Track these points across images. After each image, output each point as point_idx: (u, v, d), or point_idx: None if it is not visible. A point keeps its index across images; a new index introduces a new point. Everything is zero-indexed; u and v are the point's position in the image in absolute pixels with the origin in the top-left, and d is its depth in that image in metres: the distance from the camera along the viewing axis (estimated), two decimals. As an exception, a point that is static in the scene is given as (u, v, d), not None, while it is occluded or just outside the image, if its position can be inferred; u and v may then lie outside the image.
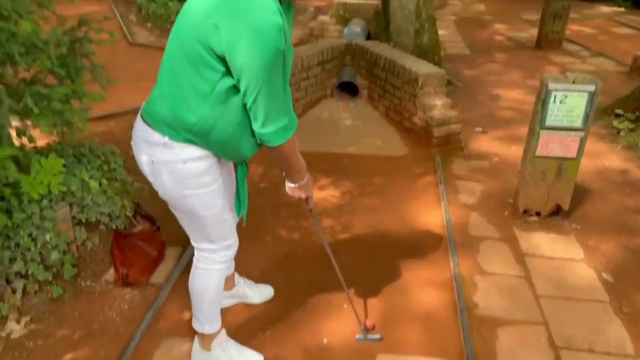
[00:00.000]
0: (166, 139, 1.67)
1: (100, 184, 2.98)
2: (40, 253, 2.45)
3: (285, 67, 1.63)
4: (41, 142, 3.08)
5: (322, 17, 7.19)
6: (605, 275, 2.74)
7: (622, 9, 10.11)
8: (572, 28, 8.12)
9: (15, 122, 2.67)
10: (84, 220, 2.71)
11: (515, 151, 4.08)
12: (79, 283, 2.59)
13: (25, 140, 2.74)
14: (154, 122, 1.69)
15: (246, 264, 2.78)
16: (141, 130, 1.73)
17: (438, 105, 4.13)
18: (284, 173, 1.90)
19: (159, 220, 2.72)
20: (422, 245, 2.99)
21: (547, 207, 3.18)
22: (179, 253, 2.81)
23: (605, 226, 3.19)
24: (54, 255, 2.47)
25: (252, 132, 1.69)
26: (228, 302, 2.45)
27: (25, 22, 2.17)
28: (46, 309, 2.42)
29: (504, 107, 5.21)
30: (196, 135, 1.66)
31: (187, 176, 1.72)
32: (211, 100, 1.59)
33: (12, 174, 2.34)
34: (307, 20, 8.35)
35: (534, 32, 7.71)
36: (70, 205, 2.69)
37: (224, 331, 2.18)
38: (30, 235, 2.43)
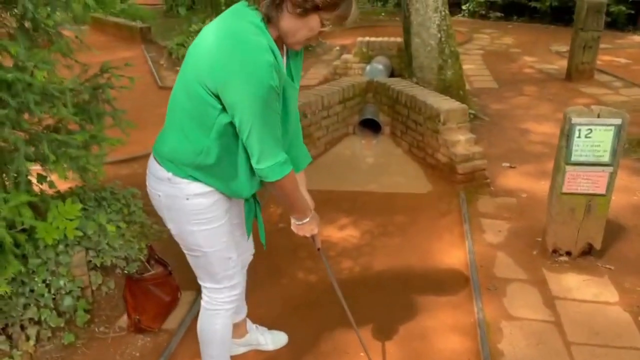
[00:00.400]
0: (170, 174, 1.73)
1: (118, 227, 3.00)
2: (53, 299, 2.45)
3: (286, 104, 1.70)
4: (64, 186, 3.14)
5: (345, 56, 7.26)
6: (643, 320, 2.56)
7: (656, 38, 9.86)
8: (604, 58, 7.93)
9: (36, 168, 2.74)
10: (99, 265, 2.71)
11: (544, 187, 3.92)
12: (92, 329, 2.57)
13: (45, 186, 2.79)
14: (160, 158, 1.76)
15: (260, 308, 2.71)
16: (151, 166, 1.81)
17: (462, 141, 4.04)
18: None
19: (170, 265, 2.69)
20: (444, 288, 2.86)
21: (578, 247, 3.02)
22: (192, 298, 2.77)
23: (642, 266, 3.00)
24: (67, 301, 2.46)
25: (252, 168, 1.71)
26: (240, 350, 2.38)
27: (39, 72, 2.23)
28: (58, 356, 2.40)
29: (533, 141, 5.06)
30: (197, 170, 1.71)
31: (191, 212, 1.76)
32: (212, 136, 1.65)
33: (28, 220, 2.36)
34: (333, 59, 8.44)
35: (563, 63, 7.56)
36: (86, 250, 2.69)
37: None
38: (44, 281, 2.44)
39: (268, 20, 1.56)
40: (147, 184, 1.82)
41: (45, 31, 2.52)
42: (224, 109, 1.59)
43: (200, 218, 1.77)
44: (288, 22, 1.56)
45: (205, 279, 1.95)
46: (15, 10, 2.52)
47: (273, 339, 2.46)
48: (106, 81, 3.13)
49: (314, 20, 1.56)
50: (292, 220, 1.94)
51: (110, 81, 3.14)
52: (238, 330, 2.36)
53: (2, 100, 2.24)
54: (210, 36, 1.58)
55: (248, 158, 1.68)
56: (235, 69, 1.50)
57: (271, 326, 2.54)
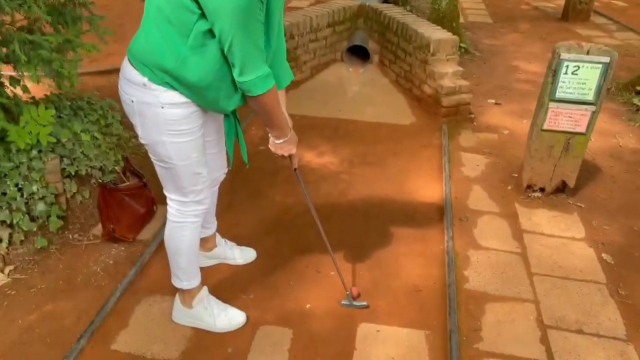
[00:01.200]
0: (146, 79, 1.63)
1: (95, 137, 2.95)
2: (26, 203, 2.44)
3: (269, 15, 1.59)
4: (40, 93, 3.04)
5: (339, -21, 6.95)
6: (605, 257, 2.64)
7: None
8: (602, 0, 7.77)
9: (10, 72, 2.64)
10: (73, 173, 2.69)
11: (527, 125, 3.90)
12: (66, 235, 2.58)
13: (19, 89, 2.70)
14: (135, 61, 1.65)
15: (236, 227, 2.75)
16: (125, 69, 1.70)
17: (449, 74, 3.98)
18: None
19: (147, 178, 2.67)
20: (418, 217, 2.91)
21: (552, 183, 3.06)
22: (168, 211, 2.78)
23: (611, 206, 3.07)
24: (40, 207, 2.45)
25: (233, 82, 1.64)
26: (208, 263, 2.43)
27: (9, -35, 2.09)
28: (31, 259, 2.42)
29: (521, 79, 5.02)
30: (174, 79, 1.62)
31: (164, 121, 1.69)
32: (189, 43, 1.55)
33: (0, 123, 2.30)
34: (326, -18, 8.11)
35: (561, 2, 7.39)
36: (61, 158, 2.66)
37: (205, 288, 2.15)
38: (16, 185, 2.41)
39: None
40: (120, 88, 1.73)
41: None
42: (203, 15, 1.49)
43: (174, 129, 1.71)
44: None
45: (172, 191, 1.91)
46: None
47: (242, 254, 2.50)
48: (83, -17, 2.97)
49: None
50: (271, 139, 1.90)
51: (87, -17, 2.98)
52: (207, 243, 2.39)
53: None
54: None
55: (229, 70, 1.61)
56: None
57: (246, 244, 2.57)
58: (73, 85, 2.76)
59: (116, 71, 4.67)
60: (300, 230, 2.76)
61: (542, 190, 3.09)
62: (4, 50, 2.50)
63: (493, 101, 4.46)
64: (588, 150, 3.51)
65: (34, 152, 2.52)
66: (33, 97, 2.98)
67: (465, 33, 6.02)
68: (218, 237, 2.45)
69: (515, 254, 2.64)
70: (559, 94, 2.77)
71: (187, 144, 1.76)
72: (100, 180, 2.75)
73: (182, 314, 2.14)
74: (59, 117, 2.89)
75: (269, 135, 1.89)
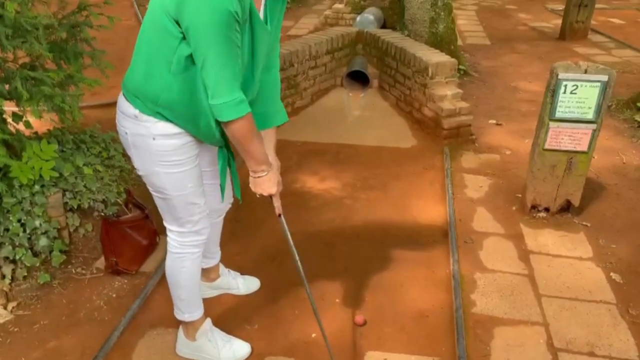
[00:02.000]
0: (137, 111, 1.65)
1: (97, 171, 2.96)
2: (29, 239, 2.43)
3: (253, 45, 1.61)
4: (42, 128, 3.07)
5: (337, 5, 7.08)
6: (613, 276, 2.60)
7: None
8: (599, 18, 7.84)
9: (12, 108, 2.67)
10: (76, 207, 2.69)
11: (529, 145, 3.91)
12: (69, 270, 2.56)
13: (21, 125, 2.73)
14: (127, 94, 1.68)
15: (238, 256, 2.73)
16: (119, 103, 1.73)
17: (448, 96, 4.00)
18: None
19: (149, 209, 2.67)
20: (422, 241, 2.88)
21: (557, 203, 3.04)
22: (171, 242, 2.77)
23: (618, 225, 3.04)
24: (43, 242, 2.45)
25: None
26: (212, 293, 2.40)
27: (10, 4, 2.13)
28: (34, 295, 2.40)
29: (521, 99, 5.04)
30: (164, 109, 1.63)
31: (157, 153, 1.69)
32: (173, 69, 1.56)
33: (2, 159, 2.32)
34: (324, 9, 8.24)
35: (558, 22, 7.48)
36: (64, 192, 2.66)
37: (209, 320, 2.12)
38: (19, 220, 2.41)
39: None
40: (117, 121, 1.75)
41: (17, -39, 2.39)
42: (184, 38, 1.50)
43: (167, 160, 1.71)
44: None
45: (170, 221, 1.90)
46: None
47: (245, 284, 2.48)
48: (84, 19, 3.02)
49: None
50: (250, 176, 1.82)
51: (88, 19, 3.03)
52: (210, 274, 2.38)
53: (-29, 32, 2.16)
54: None
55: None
56: None
57: (248, 274, 2.55)
58: (75, 120, 2.78)
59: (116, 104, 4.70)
60: (304, 257, 2.73)
61: (546, 210, 3.07)
62: (7, 87, 2.54)
63: (494, 122, 4.47)
64: (592, 168, 3.50)
65: (37, 187, 2.53)
66: (36, 132, 3.01)
67: (464, 55, 6.08)
68: (222, 267, 2.43)
69: (523, 275, 2.61)
70: (559, 114, 2.77)
71: (182, 175, 1.75)
72: (102, 213, 2.75)
73: (185, 347, 2.11)
74: (62, 151, 2.91)
75: (250, 176, 1.83)
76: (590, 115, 2.75)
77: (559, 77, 2.68)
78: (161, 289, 2.47)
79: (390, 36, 4.70)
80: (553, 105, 2.76)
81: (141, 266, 2.60)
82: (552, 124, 2.80)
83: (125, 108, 1.68)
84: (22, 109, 2.66)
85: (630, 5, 9.19)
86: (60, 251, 2.52)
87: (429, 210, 3.17)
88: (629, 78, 5.50)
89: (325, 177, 3.55)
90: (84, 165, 2.81)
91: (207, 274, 2.37)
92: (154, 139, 1.67)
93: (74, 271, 2.56)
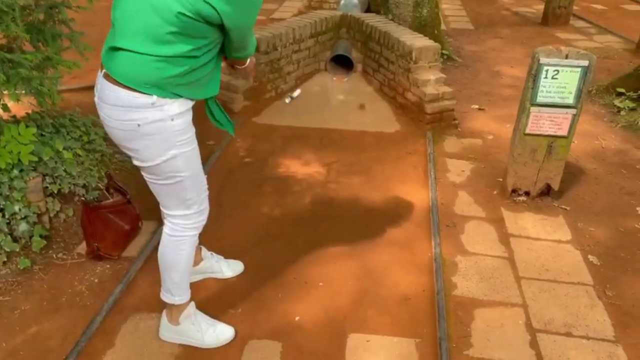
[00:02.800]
0: (154, 97, 1.64)
1: (77, 155, 2.92)
2: (8, 224, 2.40)
3: None
4: (21, 112, 3.01)
5: (321, -11, 7.01)
6: (591, 258, 2.66)
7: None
8: (581, 4, 7.89)
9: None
10: (56, 191, 2.66)
11: (511, 130, 3.93)
12: (50, 255, 2.54)
13: (-1, 109, 2.68)
14: (137, 86, 1.63)
15: (223, 240, 2.73)
16: (122, 99, 1.65)
17: (432, 81, 4.01)
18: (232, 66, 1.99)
19: (132, 194, 2.65)
20: (405, 225, 2.91)
21: (537, 187, 3.08)
22: (154, 227, 2.75)
23: (596, 208, 3.09)
24: (23, 227, 2.42)
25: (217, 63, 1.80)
26: (196, 278, 2.39)
27: (-16, -16, 2.08)
28: (14, 280, 2.38)
29: (504, 84, 5.07)
30: (184, 87, 1.68)
31: (174, 133, 1.72)
32: (200, 49, 1.63)
33: (-22, 143, 2.28)
34: (308, -8, 8.15)
35: (541, 7, 7.50)
36: (43, 176, 2.63)
37: (192, 304, 2.13)
38: (-2, 205, 2.38)
39: None
40: (116, 119, 1.69)
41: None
42: (209, 27, 1.58)
43: (183, 139, 1.75)
44: None
45: (174, 207, 1.91)
46: None
47: (229, 267, 2.48)
48: (62, 0, 2.96)
49: None
50: (238, 68, 2.00)
51: (66, 0, 2.97)
52: (195, 256, 2.37)
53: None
54: None
55: (217, 55, 1.75)
56: None
57: (233, 257, 2.55)
58: (54, 103, 2.73)
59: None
60: (287, 241, 2.75)
61: (527, 194, 3.11)
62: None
63: (477, 107, 4.49)
64: (571, 153, 3.55)
65: (15, 172, 2.48)
66: (14, 116, 2.95)
67: (448, 40, 6.08)
68: (204, 251, 2.43)
69: (503, 258, 2.65)
70: (539, 98, 2.80)
71: (193, 152, 1.83)
72: (83, 198, 2.72)
73: (169, 331, 2.11)
74: (41, 135, 2.86)
75: (236, 69, 2.00)
76: (570, 100, 2.78)
77: (541, 62, 2.70)
78: (144, 274, 2.46)
79: (375, 20, 4.68)
80: (534, 90, 2.78)
81: (123, 251, 2.58)
82: (533, 109, 2.83)
83: (136, 100, 1.64)
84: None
85: (611, -9, 9.26)
86: (41, 236, 2.49)
87: (411, 194, 3.19)
88: (609, 64, 5.57)
89: (309, 162, 3.55)
90: (64, 149, 2.76)
91: None
92: (172, 119, 1.69)
93: (55, 256, 2.54)
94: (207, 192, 2.00)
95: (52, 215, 2.67)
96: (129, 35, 1.59)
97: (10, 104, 2.64)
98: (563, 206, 3.08)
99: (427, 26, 5.29)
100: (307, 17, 4.74)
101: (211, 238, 2.69)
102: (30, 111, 3.02)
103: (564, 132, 2.87)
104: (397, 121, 4.19)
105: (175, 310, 2.09)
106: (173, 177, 1.80)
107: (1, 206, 2.38)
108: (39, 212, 2.53)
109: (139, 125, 1.67)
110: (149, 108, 1.65)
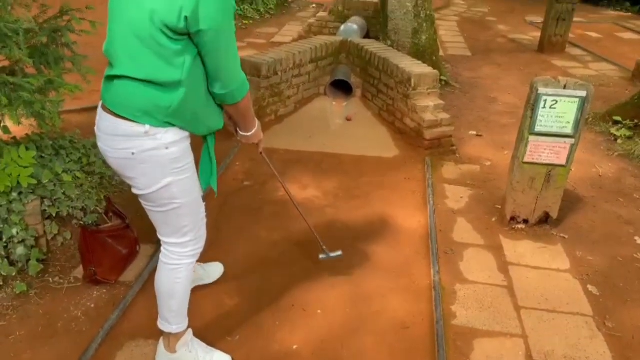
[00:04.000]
0: (147, 127, 1.68)
1: (76, 177, 2.91)
2: (5, 247, 2.38)
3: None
4: (21, 133, 3.01)
5: (321, 14, 7.11)
6: (590, 288, 2.65)
7: (629, 14, 9.97)
8: (577, 32, 8.00)
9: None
10: (55, 215, 2.64)
11: (508, 157, 3.96)
12: (46, 279, 2.52)
13: (-1, 131, 2.68)
14: (130, 115, 1.67)
15: (222, 263, 2.71)
16: (116, 127, 1.70)
17: (430, 107, 4.04)
18: (236, 129, 2.06)
19: (129, 217, 2.64)
20: (404, 251, 2.90)
21: (535, 215, 3.09)
22: (152, 251, 2.74)
23: (594, 237, 3.10)
24: (20, 250, 2.40)
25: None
26: None
27: (-10, 9, 2.10)
28: (10, 305, 2.35)
29: (501, 111, 5.11)
30: (174, 116, 1.70)
31: (169, 161, 1.74)
32: (181, 76, 1.64)
33: (-22, 166, 2.27)
34: (308, 17, 8.27)
35: (537, 34, 7.61)
36: (42, 199, 2.62)
37: (190, 331, 2.11)
38: (-5, 228, 2.37)
39: None
40: (112, 148, 1.73)
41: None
42: (190, 44, 1.61)
43: (178, 167, 1.77)
44: None
45: (170, 234, 1.91)
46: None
47: (209, 271, 2.59)
48: (66, 24, 2.98)
49: None
50: (241, 134, 2.04)
51: (70, 24, 2.99)
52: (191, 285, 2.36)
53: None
54: None
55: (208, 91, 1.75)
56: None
57: (231, 282, 2.54)
58: (55, 126, 2.74)
59: (96, 109, 4.65)
60: (285, 267, 2.74)
61: (525, 221, 3.11)
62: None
63: (474, 133, 4.52)
64: (569, 180, 3.56)
65: (14, 195, 2.48)
66: (14, 137, 2.95)
67: (445, 66, 6.15)
68: None
69: (502, 287, 2.64)
70: (538, 128, 2.82)
71: (189, 180, 1.83)
72: (82, 221, 2.71)
73: (165, 359, 2.08)
74: (41, 157, 2.86)
75: (238, 133, 2.06)
76: (569, 130, 2.80)
77: (539, 92, 2.73)
78: (141, 300, 2.44)
79: (374, 46, 4.74)
80: (533, 120, 2.81)
81: (120, 276, 2.57)
82: (531, 138, 2.85)
83: (129, 129, 1.68)
84: (0, 113, 2.62)
85: (606, 18, 9.41)
86: (38, 260, 2.47)
87: (410, 220, 3.19)
88: (605, 91, 5.63)
89: (307, 186, 3.55)
90: (63, 172, 2.76)
91: None
92: (167, 148, 1.72)
93: (51, 280, 2.52)
94: (204, 220, 1.99)
95: (49, 238, 2.65)
96: (118, 62, 1.66)
97: (10, 124, 2.65)
98: (561, 234, 3.08)
99: (425, 53, 5.36)
100: (307, 42, 4.80)
101: (208, 262, 2.68)
102: (30, 132, 3.03)
103: (562, 161, 2.89)
104: (396, 146, 4.21)
105: (172, 338, 2.06)
106: (169, 205, 1.81)
107: (-1, 229, 2.37)
108: (37, 235, 2.51)
109: (133, 153, 1.70)
110: (143, 137, 1.68)
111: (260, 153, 2.24)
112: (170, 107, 1.66)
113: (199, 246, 1.99)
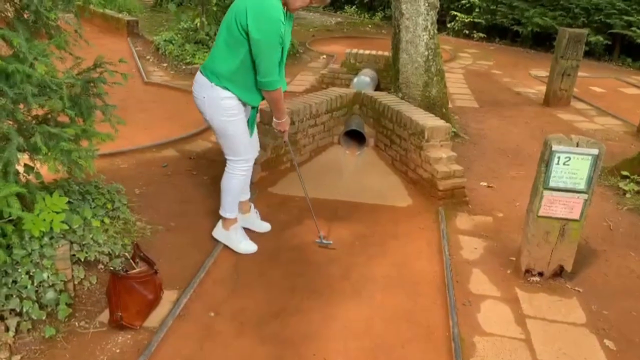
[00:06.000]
0: (212, 83, 2.88)
1: (103, 222, 3.00)
2: (36, 291, 2.44)
3: (283, 47, 2.87)
4: (48, 177, 3.12)
5: (333, 66, 7.34)
6: (607, 343, 2.68)
7: (631, 69, 10.24)
8: (581, 87, 8.21)
9: (24, 158, 2.72)
10: (83, 259, 2.71)
11: (519, 208, 4.06)
12: (72, 323, 2.56)
13: (32, 177, 2.78)
14: (206, 72, 2.93)
15: (243, 312, 2.75)
16: (198, 78, 2.98)
17: (443, 159, 4.16)
18: (273, 117, 3.22)
19: (156, 263, 2.71)
20: (421, 301, 2.94)
21: (550, 268, 3.14)
22: (175, 297, 2.79)
23: (608, 290, 3.14)
24: (50, 295, 2.46)
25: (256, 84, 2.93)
26: (242, 224, 3.45)
27: (40, 65, 2.24)
28: (38, 348, 2.39)
29: (510, 163, 5.22)
30: (229, 81, 2.88)
31: (223, 108, 2.93)
32: (239, 58, 2.82)
33: (16, 211, 2.36)
34: (318, 67, 8.53)
35: (542, 88, 7.81)
36: (71, 243, 2.69)
37: (239, 222, 3.35)
38: (27, 272, 2.43)
39: None
40: (194, 90, 3.00)
41: (46, 24, 2.52)
42: (247, 40, 2.74)
43: (229, 112, 2.94)
44: None
45: (229, 154, 3.12)
46: (16, 1, 2.53)
47: (261, 226, 3.60)
48: (99, 75, 3.14)
49: None
50: (275, 121, 3.22)
51: (103, 76, 3.15)
52: (243, 207, 3.47)
53: (1, 90, 2.24)
54: None
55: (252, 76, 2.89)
56: (263, 18, 2.69)
57: (252, 331, 2.58)
58: (91, 174, 2.84)
59: (119, 154, 4.79)
60: (306, 314, 2.78)
61: (540, 274, 3.16)
62: (21, 139, 2.60)
63: (485, 184, 4.62)
64: (581, 234, 3.62)
65: (46, 239, 2.56)
66: (42, 182, 3.05)
67: (454, 117, 6.31)
68: (252, 207, 3.56)
69: (520, 340, 2.67)
70: (552, 183, 2.91)
71: (237, 121, 3.00)
72: (111, 267, 2.78)
73: (221, 233, 3.33)
74: (69, 202, 2.95)
75: (274, 119, 3.22)
76: (582, 186, 2.89)
77: (553, 149, 2.84)
78: (165, 346, 2.47)
79: (387, 99, 4.90)
80: (547, 175, 2.90)
81: (145, 321, 2.61)
82: (546, 193, 2.94)
83: (205, 81, 2.90)
84: (34, 159, 2.73)
85: (610, 74, 9.66)
86: (66, 304, 2.52)
87: (427, 270, 3.24)
88: (611, 145, 5.75)
89: (324, 233, 3.62)
90: (92, 217, 2.85)
91: (241, 206, 3.41)
92: (222, 99, 2.90)
93: (77, 325, 2.56)
94: (249, 148, 3.16)
95: (76, 282, 2.71)
96: (214, 44, 3.00)
97: (42, 169, 2.74)
98: (576, 288, 3.13)
99: (435, 105, 5.52)
100: (323, 94, 4.97)
101: (231, 309, 2.74)
102: (58, 177, 3.13)
103: (575, 215, 2.96)
104: (409, 195, 4.30)
105: (227, 222, 3.28)
106: (225, 134, 3.02)
107: (31, 273, 2.44)
108: (66, 279, 2.58)
109: (204, 97, 2.93)
110: (209, 88, 2.89)
111: (285, 142, 3.42)
112: (225, 75, 2.85)
113: (248, 165, 3.19)
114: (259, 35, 2.66)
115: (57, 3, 2.50)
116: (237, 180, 3.16)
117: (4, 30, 2.22)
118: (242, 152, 3.09)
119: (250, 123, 3.14)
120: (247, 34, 2.67)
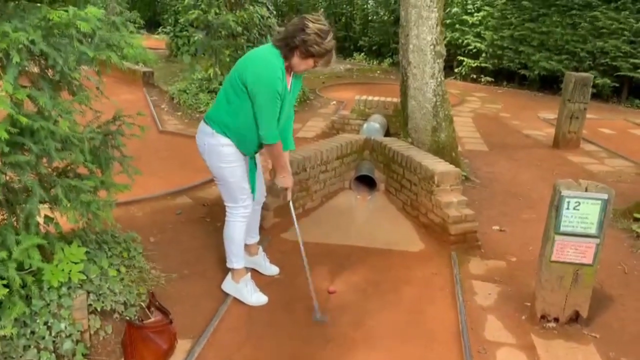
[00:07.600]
0: (213, 130, 3.05)
1: (118, 271, 3.05)
2: (53, 342, 2.47)
3: (282, 105, 3.02)
4: (66, 226, 3.19)
5: (343, 112, 7.49)
6: (627, 391, 2.63)
7: (639, 110, 10.30)
8: (590, 128, 8.27)
9: (43, 208, 2.80)
10: (99, 309, 2.75)
11: (533, 252, 4.05)
12: (88, 374, 2.58)
13: (51, 227, 2.85)
14: (208, 120, 3.09)
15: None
16: (201, 127, 3.15)
17: (454, 203, 4.19)
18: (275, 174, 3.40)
19: (171, 313, 2.73)
20: (436, 348, 2.92)
21: (566, 314, 3.12)
22: (189, 346, 2.80)
23: (626, 337, 3.09)
24: (67, 345, 2.49)
25: (257, 136, 3.05)
26: (249, 264, 3.52)
27: (63, 122, 2.34)
28: (53, 400, 2.40)
29: (521, 206, 5.23)
30: (228, 130, 3.03)
31: (223, 154, 3.07)
32: (241, 111, 2.98)
33: (36, 263, 2.42)
34: (329, 112, 8.71)
35: (550, 130, 7.87)
36: (88, 293, 2.73)
37: (249, 273, 3.38)
38: (45, 323, 2.47)
39: (284, 56, 2.93)
40: (197, 138, 3.15)
41: (69, 82, 2.64)
42: (248, 97, 2.91)
43: (227, 159, 3.07)
44: (295, 60, 2.94)
45: (228, 200, 3.21)
46: (42, 61, 2.66)
47: (269, 269, 3.66)
48: (117, 128, 3.25)
49: (310, 61, 2.94)
50: (277, 178, 3.29)
51: (121, 128, 3.26)
52: (251, 249, 3.59)
53: (24, 146, 2.35)
54: (252, 54, 3.00)
55: (257, 130, 3.00)
56: (261, 75, 2.86)
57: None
58: (109, 224, 2.91)
59: (134, 203, 4.87)
60: (319, 364, 2.77)
61: (556, 320, 3.13)
62: (43, 192, 2.69)
63: (497, 228, 4.62)
64: (596, 278, 3.60)
65: (64, 289, 2.60)
66: (60, 232, 3.12)
67: (464, 161, 6.36)
68: (260, 250, 3.65)
69: (537, 389, 2.63)
70: (563, 228, 2.93)
71: (235, 168, 3.11)
72: (127, 317, 2.80)
73: (230, 286, 3.32)
74: (86, 251, 3.01)
75: (276, 176, 3.31)
76: (593, 230, 2.90)
77: (562, 194, 2.87)
78: (179, 396, 2.47)
79: (397, 145, 4.99)
80: (558, 220, 2.92)
81: (159, 371, 2.62)
82: (557, 237, 2.95)
83: (207, 129, 3.07)
84: (54, 210, 2.80)
85: (618, 115, 9.72)
86: (83, 355, 2.54)
87: (441, 317, 3.23)
88: (622, 187, 5.75)
89: (336, 280, 3.63)
90: (108, 266, 2.90)
91: (249, 249, 3.55)
92: (222, 146, 3.05)
93: (92, 375, 2.58)
94: (248, 194, 3.22)
95: (92, 332, 2.73)
96: (217, 96, 3.18)
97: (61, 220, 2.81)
98: (593, 334, 3.09)
99: (445, 149, 5.59)
100: (333, 140, 5.07)
101: (244, 359, 2.73)
102: (75, 227, 3.20)
103: (588, 260, 2.96)
104: (421, 240, 4.32)
105: (236, 274, 3.30)
106: (224, 180, 3.13)
107: (49, 324, 2.47)
108: (82, 329, 2.61)
109: (205, 144, 3.09)
110: (211, 135, 3.05)
111: (288, 201, 3.35)
112: (224, 124, 3.01)
113: (247, 211, 3.22)
114: (256, 90, 2.85)
115: (80, 62, 2.62)
116: (238, 227, 3.22)
117: (30, 90, 2.34)
118: (240, 199, 3.17)
119: (250, 172, 3.25)
120: (246, 88, 2.87)
